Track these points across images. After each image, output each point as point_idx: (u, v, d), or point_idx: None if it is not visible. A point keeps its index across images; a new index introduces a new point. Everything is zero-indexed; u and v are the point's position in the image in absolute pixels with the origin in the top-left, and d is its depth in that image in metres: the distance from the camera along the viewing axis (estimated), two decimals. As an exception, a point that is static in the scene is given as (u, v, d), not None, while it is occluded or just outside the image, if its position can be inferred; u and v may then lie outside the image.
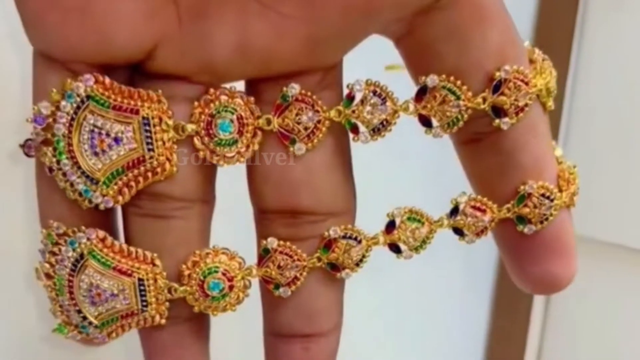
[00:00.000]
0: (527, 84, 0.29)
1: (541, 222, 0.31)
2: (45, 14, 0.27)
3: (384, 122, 0.29)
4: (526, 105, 0.29)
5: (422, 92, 0.29)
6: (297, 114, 0.28)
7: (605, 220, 0.72)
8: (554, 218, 0.31)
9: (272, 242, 0.29)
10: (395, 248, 0.31)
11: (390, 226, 0.30)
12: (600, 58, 0.72)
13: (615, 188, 0.71)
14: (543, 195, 0.30)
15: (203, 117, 0.28)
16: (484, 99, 0.29)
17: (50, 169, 0.29)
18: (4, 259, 0.45)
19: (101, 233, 0.29)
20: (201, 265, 0.29)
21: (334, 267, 0.30)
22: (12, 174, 0.44)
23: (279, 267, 0.29)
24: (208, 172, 0.30)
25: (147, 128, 0.28)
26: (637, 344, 0.73)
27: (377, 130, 0.29)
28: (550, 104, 0.31)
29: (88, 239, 0.29)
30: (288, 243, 0.29)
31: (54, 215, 0.29)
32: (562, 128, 0.74)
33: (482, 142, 0.30)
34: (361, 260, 0.30)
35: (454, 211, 0.31)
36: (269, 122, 0.28)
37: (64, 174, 0.28)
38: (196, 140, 0.28)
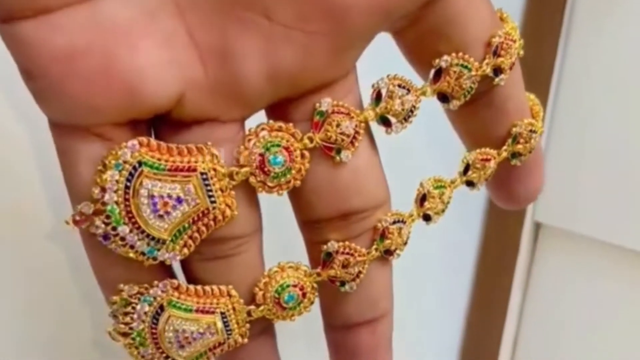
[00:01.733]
0: (514, 41, 0.32)
1: (529, 152, 0.35)
2: (66, 83, 0.26)
3: (412, 109, 0.31)
4: (516, 59, 0.33)
5: (438, 74, 0.31)
6: (337, 125, 0.29)
7: (583, 214, 0.74)
8: (537, 144, 0.35)
9: (332, 246, 0.31)
10: (427, 217, 0.34)
11: (423, 199, 0.33)
12: (586, 57, 0.73)
13: (592, 183, 0.73)
14: (530, 130, 0.35)
15: (253, 157, 0.29)
16: (487, 64, 0.31)
17: (106, 237, 0.28)
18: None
19: (174, 282, 0.30)
20: (273, 284, 0.31)
21: (388, 252, 0.33)
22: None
23: (343, 266, 0.32)
24: (255, 204, 0.31)
25: (207, 182, 0.28)
26: (610, 333, 0.76)
27: (407, 118, 0.31)
28: (522, 52, 0.34)
29: (163, 291, 0.30)
30: (347, 242, 0.31)
31: (112, 277, 0.30)
32: (546, 124, 0.75)
33: (478, 101, 0.33)
34: (407, 239, 0.33)
35: (467, 168, 0.34)
36: (311, 140, 0.29)
37: (123, 239, 0.28)
38: (252, 180, 0.29)
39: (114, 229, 0.28)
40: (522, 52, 0.33)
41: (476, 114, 0.34)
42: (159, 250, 0.29)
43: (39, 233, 0.44)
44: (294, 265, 0.32)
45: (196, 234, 0.29)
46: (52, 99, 0.26)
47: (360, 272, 0.32)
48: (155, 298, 0.30)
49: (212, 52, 0.27)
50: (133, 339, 0.31)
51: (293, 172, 0.29)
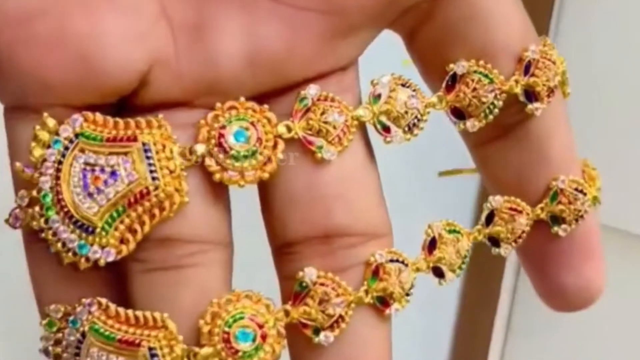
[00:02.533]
0: (554, 63, 0.27)
1: (576, 220, 0.28)
2: (16, 52, 0.23)
3: (417, 119, 0.25)
4: (555, 86, 0.27)
5: (452, 81, 0.26)
6: (322, 113, 0.24)
7: None
8: (586, 215, 0.28)
9: (310, 273, 0.24)
10: (438, 271, 0.26)
11: (432, 244, 0.26)
12: (573, 58, 0.75)
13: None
14: (576, 189, 0.28)
15: (213, 132, 0.24)
16: (516, 82, 0.26)
17: (41, 231, 0.24)
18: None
19: (102, 302, 0.24)
20: (223, 315, 0.24)
21: (383, 301, 0.25)
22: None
23: (320, 302, 0.24)
24: (222, 206, 0.25)
25: (149, 155, 0.23)
26: (605, 316, 0.70)
27: (410, 128, 0.25)
28: (568, 90, 0.28)
29: (89, 312, 0.24)
30: (329, 273, 0.24)
31: (50, 295, 0.24)
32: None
33: (508, 136, 0.27)
34: (410, 289, 0.26)
35: (490, 217, 0.27)
36: (289, 129, 0.24)
37: (55, 234, 0.24)
38: (208, 161, 0.24)
39: (47, 221, 0.24)
40: (569, 92, 0.28)
41: (507, 153, 0.27)
42: (91, 244, 0.23)
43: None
44: (254, 295, 0.24)
45: (136, 225, 0.23)
46: (1, 73, 0.23)
47: (342, 317, 0.24)
48: (81, 321, 0.24)
49: (185, 26, 0.24)
50: None
51: (260, 157, 0.24)
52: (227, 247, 0.25)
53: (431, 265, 0.26)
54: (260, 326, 0.24)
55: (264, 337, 0.24)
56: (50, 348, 0.24)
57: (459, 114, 0.26)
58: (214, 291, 0.24)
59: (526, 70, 0.26)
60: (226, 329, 0.23)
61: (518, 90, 0.26)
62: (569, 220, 0.28)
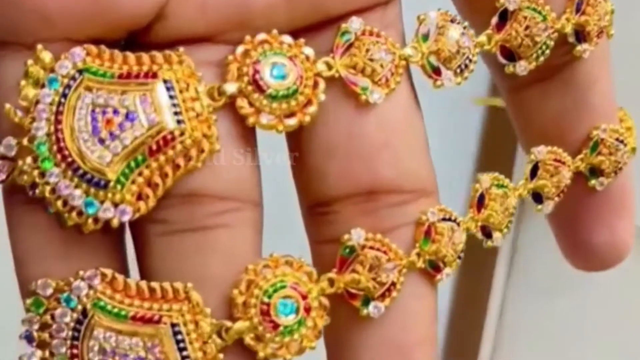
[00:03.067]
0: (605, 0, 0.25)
1: (615, 173, 0.26)
2: None
3: (468, 59, 0.22)
4: (605, 27, 0.25)
5: (503, 19, 0.23)
6: (367, 50, 0.21)
7: None
8: (625, 167, 0.26)
9: (358, 235, 0.21)
10: (487, 232, 0.23)
11: (480, 201, 0.23)
12: None
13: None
14: (617, 139, 0.26)
15: (245, 69, 0.20)
16: (568, 20, 0.24)
17: (33, 187, 0.20)
18: None
19: (107, 273, 0.20)
20: (260, 284, 0.20)
21: (434, 265, 0.22)
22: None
23: (370, 269, 0.21)
24: (253, 157, 0.21)
25: (172, 94, 0.20)
26: (600, 305, 0.72)
27: (462, 70, 0.22)
28: (612, 31, 0.26)
29: (90, 286, 0.20)
30: (379, 235, 0.21)
31: (38, 269, 0.20)
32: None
33: (550, 79, 0.25)
34: (461, 251, 0.23)
35: (534, 170, 0.25)
36: (329, 66, 0.21)
37: (53, 190, 0.20)
38: (240, 102, 0.20)
39: (43, 174, 0.20)
40: (612, 32, 0.26)
41: (547, 98, 0.25)
42: (101, 202, 0.19)
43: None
44: (295, 262, 0.21)
45: (157, 177, 0.20)
46: None
47: (394, 284, 0.21)
48: (78, 297, 0.20)
49: None
50: None
51: (301, 98, 0.20)
52: (258, 206, 0.21)
53: (479, 224, 0.23)
54: (304, 297, 0.20)
55: (307, 309, 0.20)
56: (34, 333, 0.20)
57: (508, 54, 0.23)
58: (246, 257, 0.20)
59: (577, 8, 0.24)
60: (265, 299, 0.20)
61: (569, 29, 0.24)
62: (607, 172, 0.26)
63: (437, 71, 0.22)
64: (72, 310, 0.20)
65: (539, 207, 0.25)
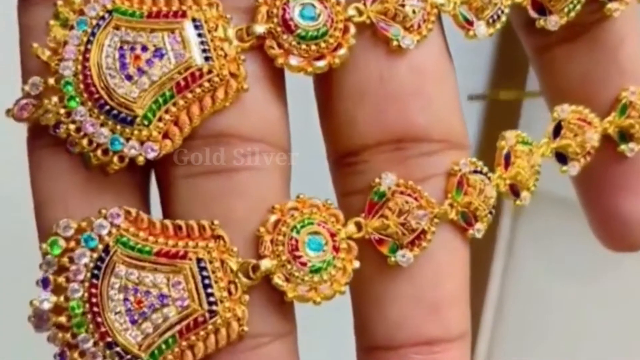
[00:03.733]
0: None
1: None
2: None
3: (500, 10, 0.22)
4: None
5: None
6: None
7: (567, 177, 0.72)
8: None
9: (389, 180, 0.20)
10: (515, 190, 0.23)
11: (507, 159, 0.23)
12: None
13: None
14: None
15: (275, 10, 0.20)
16: None
17: (56, 126, 0.19)
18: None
19: (132, 211, 0.20)
20: (288, 222, 0.20)
21: (466, 218, 0.21)
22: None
23: (399, 214, 0.20)
24: (282, 99, 0.21)
25: (201, 32, 0.19)
26: (594, 293, 0.71)
27: (494, 21, 0.22)
28: None
29: (112, 224, 0.19)
30: (410, 181, 0.21)
31: (59, 211, 0.20)
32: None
33: (579, 38, 0.25)
34: (493, 206, 0.22)
35: (558, 129, 0.24)
36: (360, 12, 0.21)
37: (79, 129, 0.19)
38: (269, 42, 0.20)
39: (69, 114, 0.19)
40: None
41: (576, 57, 0.25)
42: (127, 139, 0.19)
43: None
44: (323, 204, 0.20)
45: (184, 116, 0.19)
46: None
47: (424, 233, 0.21)
48: (100, 237, 0.19)
49: None
50: (69, 315, 0.19)
51: (330, 40, 0.20)
52: (287, 151, 0.21)
53: (508, 182, 0.22)
54: (333, 235, 0.20)
55: (336, 248, 0.20)
56: (50, 277, 0.19)
57: (540, 8, 0.23)
58: (273, 200, 0.20)
59: None
60: (294, 235, 0.20)
61: None
62: (637, 137, 0.25)
63: (469, 21, 0.22)
64: (92, 250, 0.19)
65: (564, 168, 0.24)
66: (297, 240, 0.20)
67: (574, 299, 0.73)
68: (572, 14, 0.23)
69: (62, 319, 0.19)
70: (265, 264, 0.19)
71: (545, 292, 0.74)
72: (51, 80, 0.20)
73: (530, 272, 0.76)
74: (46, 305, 0.19)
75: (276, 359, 0.20)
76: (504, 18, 0.22)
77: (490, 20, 0.22)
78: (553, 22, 0.23)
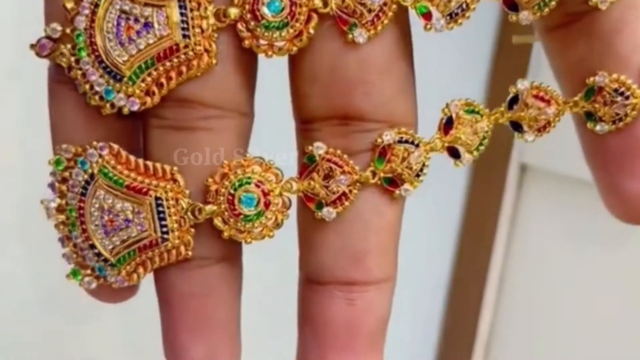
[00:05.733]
0: None
1: (614, 122, 0.26)
2: None
3: (463, 6, 0.24)
4: None
5: None
6: None
7: (569, 155, 0.71)
8: (631, 120, 0.26)
9: (319, 148, 0.25)
10: (454, 152, 0.26)
11: (448, 124, 0.26)
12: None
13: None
14: (616, 90, 0.25)
15: None
16: None
17: (69, 69, 0.24)
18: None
19: (114, 147, 0.25)
20: (231, 178, 0.24)
21: (392, 182, 0.25)
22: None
23: (325, 177, 0.25)
24: (248, 75, 0.25)
25: (183, 11, 0.24)
26: (594, 271, 0.74)
27: (454, 16, 0.24)
28: None
29: (100, 155, 0.25)
30: (338, 151, 0.25)
31: (66, 135, 0.25)
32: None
33: (573, 25, 0.25)
34: (421, 170, 0.26)
35: (513, 101, 0.26)
36: (325, 3, 0.24)
37: (84, 75, 0.24)
38: (240, 26, 0.24)
39: (78, 61, 0.24)
40: None
41: (570, 44, 0.25)
42: (118, 91, 0.24)
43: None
44: (265, 164, 0.25)
45: (163, 79, 0.24)
46: None
47: (345, 195, 0.25)
48: (90, 163, 0.25)
49: None
50: (67, 216, 0.25)
51: (291, 31, 0.24)
52: (246, 116, 0.25)
53: (446, 145, 0.26)
54: (265, 194, 0.25)
55: (267, 204, 0.25)
56: (56, 184, 0.25)
57: (511, 4, 0.25)
58: (224, 157, 0.25)
59: None
60: (231, 191, 0.24)
61: None
62: (605, 120, 0.26)
63: (427, 15, 0.24)
64: (84, 172, 0.25)
65: (520, 135, 0.26)
66: (233, 196, 0.24)
67: (579, 271, 0.74)
68: (546, 10, 0.24)
69: (63, 217, 0.25)
70: (209, 208, 0.24)
71: (549, 262, 0.75)
72: (68, 30, 0.24)
73: (534, 242, 0.77)
74: (52, 205, 0.25)
75: (217, 276, 0.25)
76: (468, 14, 0.24)
77: (451, 16, 0.24)
78: (525, 17, 0.25)
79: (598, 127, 0.26)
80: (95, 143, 0.25)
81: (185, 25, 0.24)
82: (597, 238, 0.72)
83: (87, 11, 0.24)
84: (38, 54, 0.25)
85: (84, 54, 0.24)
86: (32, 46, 0.25)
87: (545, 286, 0.77)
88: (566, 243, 0.75)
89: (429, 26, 0.25)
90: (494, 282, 0.79)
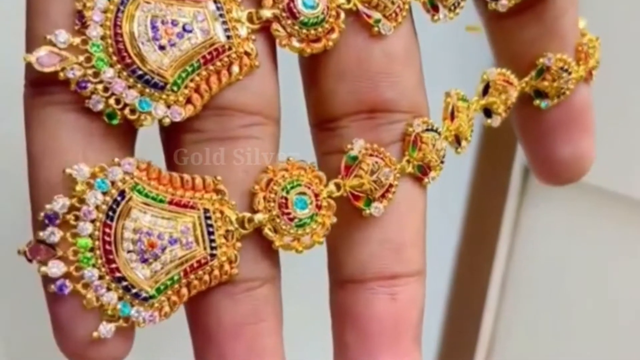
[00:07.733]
0: None
1: (557, 97, 0.30)
2: None
3: None
4: None
5: None
6: None
7: None
8: (570, 93, 0.30)
9: (358, 145, 0.24)
10: (458, 140, 0.27)
11: (452, 114, 0.27)
12: None
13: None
14: (562, 68, 0.29)
15: None
16: None
17: (81, 85, 0.22)
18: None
19: (142, 163, 0.23)
20: (279, 182, 0.24)
21: (422, 169, 0.26)
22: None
23: (371, 173, 0.25)
24: (277, 78, 0.24)
25: (222, 13, 0.23)
26: (599, 275, 0.74)
27: (454, 6, 0.26)
28: None
29: (126, 172, 0.22)
30: (375, 145, 0.25)
31: (62, 162, 0.22)
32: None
33: (526, 12, 0.28)
34: (444, 156, 0.26)
35: (486, 88, 0.29)
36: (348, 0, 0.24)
37: (106, 89, 0.22)
38: (275, 26, 0.23)
39: (97, 74, 0.22)
40: None
41: (522, 28, 0.29)
42: (156, 101, 0.22)
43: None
44: (308, 166, 0.24)
45: (204, 85, 0.23)
46: None
47: (391, 186, 0.25)
48: (113, 183, 0.22)
49: None
50: (75, 251, 0.22)
51: (326, 25, 0.24)
52: (278, 122, 0.24)
53: (453, 133, 0.27)
54: (316, 195, 0.24)
55: (318, 206, 0.24)
56: (59, 213, 0.22)
57: None
58: (261, 164, 0.24)
59: None
60: (284, 194, 0.23)
61: None
62: (551, 95, 0.30)
63: (435, 7, 0.26)
64: (104, 194, 0.22)
65: (489, 121, 0.29)
66: (286, 199, 0.23)
67: (582, 274, 0.74)
68: None
69: (68, 253, 0.22)
70: (259, 217, 0.23)
71: (552, 265, 0.76)
72: (77, 40, 0.22)
73: (537, 245, 0.77)
74: (53, 239, 0.22)
75: (265, 301, 0.24)
76: (463, 3, 0.26)
77: (451, 7, 0.26)
78: (503, 4, 0.27)
79: (544, 104, 0.30)
80: (117, 160, 0.22)
81: (227, 27, 0.23)
82: (601, 241, 0.72)
83: (99, 17, 0.22)
84: (41, 66, 0.22)
85: (103, 64, 0.22)
86: (25, 59, 0.22)
87: (547, 289, 0.77)
88: (569, 246, 0.75)
89: (436, 17, 0.26)
90: (497, 285, 0.78)
